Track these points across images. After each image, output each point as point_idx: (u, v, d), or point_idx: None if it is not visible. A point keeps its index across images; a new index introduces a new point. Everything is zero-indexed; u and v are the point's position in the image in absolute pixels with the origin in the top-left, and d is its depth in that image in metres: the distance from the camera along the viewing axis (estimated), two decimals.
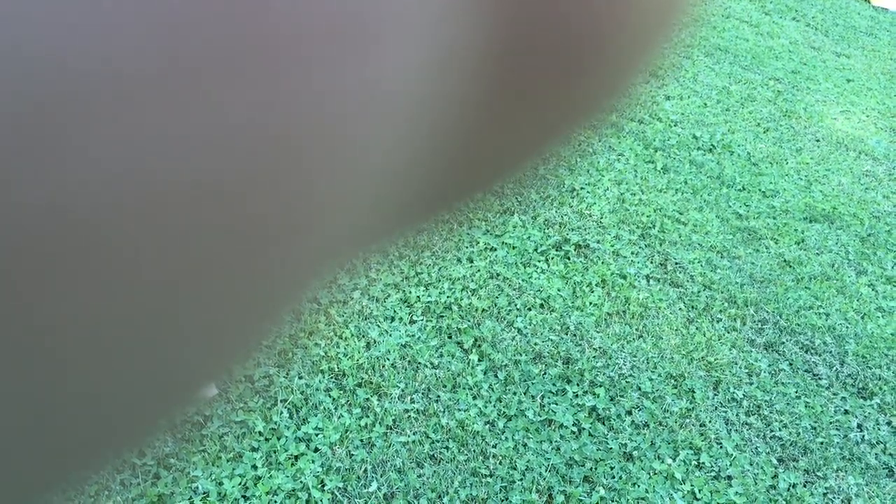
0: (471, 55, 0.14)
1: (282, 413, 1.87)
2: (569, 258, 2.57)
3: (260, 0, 0.10)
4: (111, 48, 0.10)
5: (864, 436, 2.22)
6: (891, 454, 2.18)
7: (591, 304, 2.42)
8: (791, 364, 2.41)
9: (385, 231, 0.18)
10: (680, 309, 2.50)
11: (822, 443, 2.17)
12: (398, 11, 0.12)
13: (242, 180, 0.11)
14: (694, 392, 2.22)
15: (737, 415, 2.19)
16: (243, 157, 0.11)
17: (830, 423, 2.24)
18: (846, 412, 2.29)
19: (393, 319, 2.19)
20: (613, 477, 1.93)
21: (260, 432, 1.82)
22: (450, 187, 0.18)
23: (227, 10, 0.10)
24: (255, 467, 1.75)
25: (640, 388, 2.18)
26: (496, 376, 2.10)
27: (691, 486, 1.96)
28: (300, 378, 1.96)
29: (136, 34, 0.10)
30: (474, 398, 2.03)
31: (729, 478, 2.01)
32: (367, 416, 1.92)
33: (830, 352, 2.49)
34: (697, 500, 1.94)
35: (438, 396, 2.01)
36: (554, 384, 2.12)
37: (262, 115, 0.11)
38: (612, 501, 1.89)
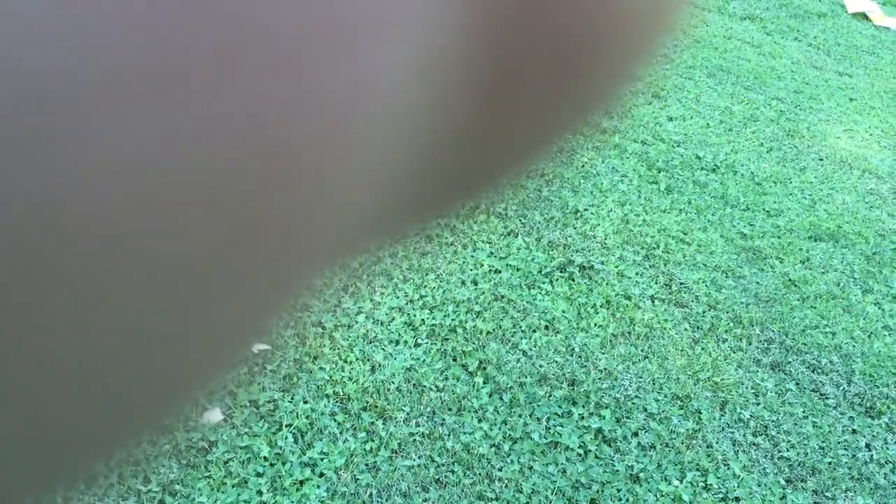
0: (461, 66, 0.14)
1: (287, 438, 1.86)
2: (573, 279, 2.57)
3: (250, 2, 0.10)
4: (101, 50, 0.09)
5: (872, 455, 2.21)
6: None
7: (595, 325, 2.41)
8: (798, 384, 2.39)
9: (373, 240, 0.17)
10: (685, 329, 2.49)
11: (830, 463, 2.15)
12: (383, 21, 0.12)
13: (228, 191, 0.11)
14: (700, 413, 2.21)
15: (744, 435, 2.18)
16: (229, 167, 0.11)
17: (838, 442, 2.22)
18: (854, 432, 2.27)
19: (398, 343, 2.19)
20: (620, 499, 1.92)
21: (265, 457, 1.81)
22: (437, 196, 0.18)
23: (217, 12, 0.10)
24: (260, 493, 1.74)
25: (646, 410, 2.17)
26: (501, 399, 2.10)
27: None
28: (305, 402, 1.96)
29: (127, 36, 0.10)
30: (479, 421, 2.02)
31: (737, 499, 2.00)
32: (373, 440, 1.91)
33: (837, 371, 2.47)
34: None
35: (444, 419, 2.00)
36: (559, 406, 2.11)
37: (249, 123, 0.11)
38: None
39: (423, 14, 0.13)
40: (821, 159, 3.81)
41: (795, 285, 2.83)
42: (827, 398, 2.37)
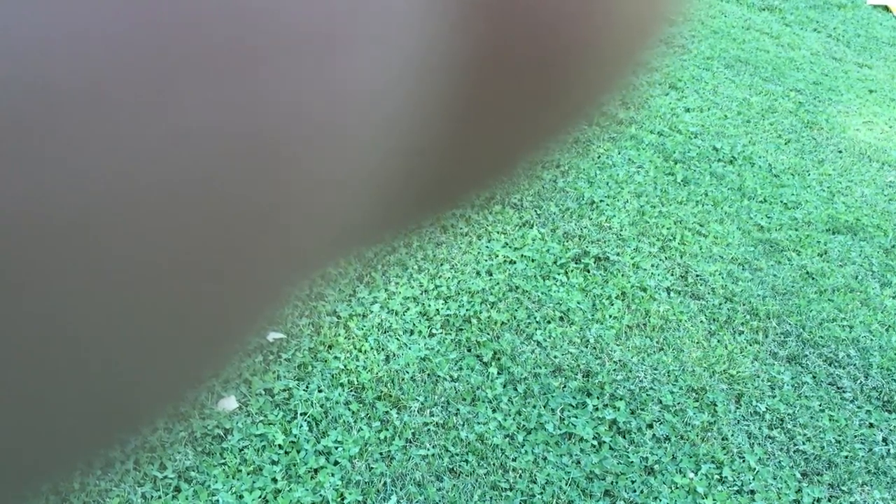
0: (472, 57, 0.14)
1: (301, 426, 1.87)
2: (588, 271, 2.57)
3: (235, 5, 0.10)
4: (85, 53, 0.10)
5: (889, 449, 2.19)
6: None
7: (610, 316, 2.41)
8: (814, 377, 2.38)
9: (388, 230, 0.17)
10: (701, 321, 2.48)
11: (846, 456, 2.14)
12: (386, 12, 0.12)
13: (238, 185, 0.11)
14: (716, 405, 2.20)
15: (759, 428, 2.17)
16: (238, 162, 0.11)
17: (855, 436, 2.21)
18: (871, 425, 2.26)
19: (412, 332, 2.19)
20: (634, 491, 1.92)
21: (280, 445, 1.82)
22: (451, 187, 0.18)
23: (203, 15, 0.10)
24: (274, 480, 1.75)
25: (661, 402, 2.16)
26: (515, 389, 2.10)
27: (713, 500, 1.94)
28: (320, 391, 1.97)
29: (111, 39, 0.10)
30: (494, 411, 2.02)
31: (752, 492, 1.99)
32: (387, 430, 1.92)
33: (854, 364, 2.46)
34: None
35: (458, 410, 2.01)
36: (574, 397, 2.11)
37: (256, 119, 0.11)
38: None
39: (429, 5, 0.13)
40: (839, 151, 3.78)
41: (813, 278, 2.81)
42: (844, 392, 2.36)
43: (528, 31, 0.15)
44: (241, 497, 1.70)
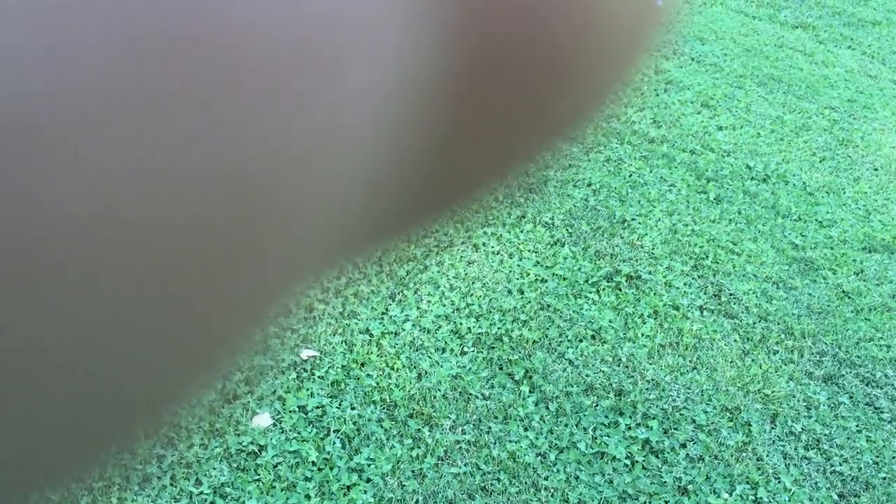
0: (496, 76, 0.14)
1: (335, 443, 1.88)
2: (620, 289, 2.56)
3: (222, 28, 0.10)
4: (66, 76, 0.09)
5: None
6: None
7: (643, 335, 2.39)
8: (851, 397, 2.35)
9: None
10: (735, 340, 2.46)
11: (884, 478, 2.11)
12: (395, 27, 0.12)
13: (270, 204, 0.11)
14: (750, 425, 2.18)
15: (795, 449, 2.14)
16: (263, 182, 0.11)
17: (893, 457, 2.17)
18: None
19: (444, 350, 2.19)
20: None
21: (313, 462, 1.83)
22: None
23: (190, 35, 0.10)
24: (308, 497, 1.76)
25: (694, 421, 2.15)
26: (547, 408, 2.09)
27: None
28: (353, 408, 1.98)
29: (93, 60, 0.10)
30: (525, 430, 2.02)
31: None
32: (419, 447, 1.92)
33: (892, 384, 2.42)
34: None
35: (489, 428, 2.01)
36: (606, 416, 2.10)
37: (268, 137, 0.11)
38: None
39: (442, 20, 0.13)
40: (875, 169, 3.73)
41: (849, 297, 2.77)
42: (881, 412, 2.32)
43: (546, 45, 0.15)
44: None
